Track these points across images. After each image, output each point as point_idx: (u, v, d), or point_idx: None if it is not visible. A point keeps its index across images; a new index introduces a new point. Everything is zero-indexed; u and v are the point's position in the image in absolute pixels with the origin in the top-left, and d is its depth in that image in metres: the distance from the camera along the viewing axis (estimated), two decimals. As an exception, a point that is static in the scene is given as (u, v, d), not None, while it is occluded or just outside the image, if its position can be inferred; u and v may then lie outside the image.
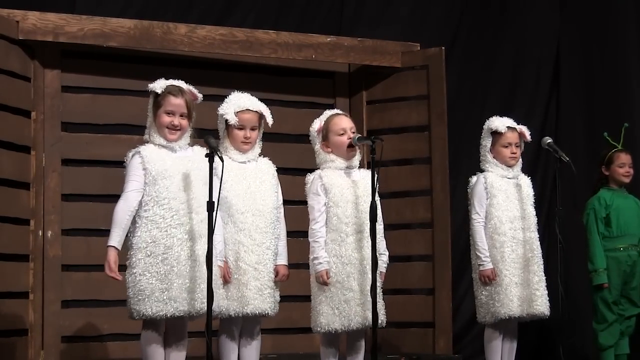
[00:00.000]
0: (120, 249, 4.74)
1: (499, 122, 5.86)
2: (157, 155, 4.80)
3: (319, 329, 5.13)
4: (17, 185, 6.12)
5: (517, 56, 8.12)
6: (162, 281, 4.69)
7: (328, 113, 5.35)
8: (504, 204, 5.78)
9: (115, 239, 4.72)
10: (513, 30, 8.11)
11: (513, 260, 5.73)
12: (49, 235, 6.23)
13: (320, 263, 5.10)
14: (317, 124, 5.28)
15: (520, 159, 5.94)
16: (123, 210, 4.74)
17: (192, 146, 4.93)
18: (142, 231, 4.73)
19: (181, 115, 4.84)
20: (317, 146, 5.29)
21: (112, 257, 4.70)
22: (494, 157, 5.87)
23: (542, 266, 5.83)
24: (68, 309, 6.31)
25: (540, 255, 5.85)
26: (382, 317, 5.13)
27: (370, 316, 4.95)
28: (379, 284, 5.17)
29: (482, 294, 5.77)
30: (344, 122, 5.24)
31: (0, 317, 5.88)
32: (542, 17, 8.19)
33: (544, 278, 5.81)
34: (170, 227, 4.73)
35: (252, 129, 5.15)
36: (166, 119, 4.82)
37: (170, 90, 4.85)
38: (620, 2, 8.11)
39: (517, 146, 5.88)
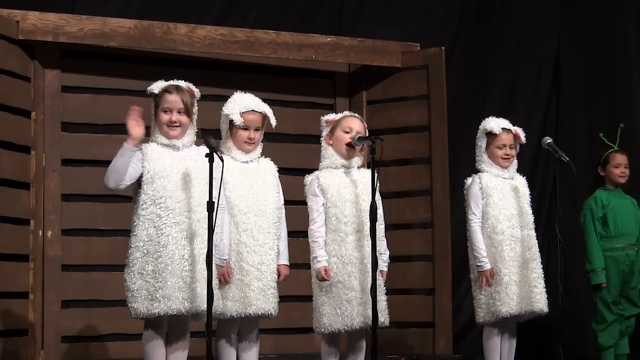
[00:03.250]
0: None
1: (494, 123, 5.89)
2: (158, 154, 4.81)
3: (322, 330, 5.13)
4: (17, 185, 6.11)
5: (517, 56, 8.12)
6: (157, 279, 4.69)
7: (347, 112, 5.40)
8: (500, 202, 5.80)
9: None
10: (513, 30, 8.11)
11: (512, 258, 5.75)
12: (49, 235, 6.23)
13: (319, 261, 5.12)
14: (331, 116, 5.36)
15: (515, 160, 5.96)
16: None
17: (198, 146, 4.93)
18: (139, 230, 4.75)
19: (179, 112, 4.85)
20: (322, 137, 5.33)
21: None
22: (488, 158, 5.91)
23: (540, 263, 5.85)
24: (68, 309, 6.31)
25: (538, 252, 5.87)
26: (385, 317, 5.17)
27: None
28: (381, 283, 5.21)
29: (482, 293, 5.78)
30: (354, 123, 5.28)
31: (0, 317, 5.88)
32: (542, 17, 8.19)
33: (543, 275, 5.83)
34: (165, 225, 4.74)
35: (256, 129, 5.16)
36: (164, 116, 4.85)
37: (166, 89, 4.88)
38: (620, 2, 8.11)
39: (511, 148, 5.90)
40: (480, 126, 5.95)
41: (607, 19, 8.12)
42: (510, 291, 5.70)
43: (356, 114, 5.44)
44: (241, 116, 5.11)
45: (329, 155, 5.27)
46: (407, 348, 6.87)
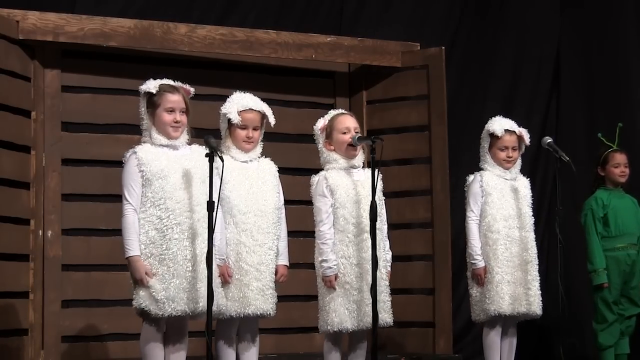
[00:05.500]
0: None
1: (498, 125, 5.88)
2: (154, 155, 4.79)
3: (328, 328, 5.11)
4: (17, 185, 6.10)
5: (517, 56, 8.10)
6: (160, 282, 4.69)
7: (333, 112, 5.37)
8: (498, 202, 5.81)
9: (136, 247, 4.71)
10: (513, 30, 8.09)
11: (506, 258, 5.77)
12: (49, 235, 6.21)
13: (330, 267, 5.10)
14: (322, 122, 5.30)
15: (520, 161, 5.96)
16: (130, 222, 4.73)
17: (190, 144, 4.94)
18: (140, 233, 4.75)
19: (181, 111, 4.86)
20: (320, 144, 5.29)
21: (143, 267, 4.69)
22: (491, 158, 5.91)
23: (536, 266, 5.85)
24: (68, 309, 6.29)
25: (536, 255, 5.87)
26: (389, 317, 5.21)
27: (379, 316, 4.96)
28: (387, 283, 5.24)
29: (477, 291, 5.82)
30: (348, 122, 5.25)
31: (0, 317, 5.86)
32: (542, 17, 8.17)
33: (538, 277, 5.84)
34: (166, 227, 4.73)
35: (255, 128, 5.15)
36: (168, 117, 4.83)
37: (165, 89, 4.86)
38: (620, 2, 8.08)
39: (514, 150, 5.90)
40: (486, 125, 5.94)
41: (607, 19, 8.09)
42: (501, 290, 5.72)
43: (344, 111, 5.45)
44: (239, 115, 5.10)
45: (333, 160, 5.24)
46: (407, 348, 6.86)
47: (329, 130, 5.26)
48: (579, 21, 8.19)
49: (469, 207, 5.85)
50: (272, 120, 5.19)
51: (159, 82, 4.88)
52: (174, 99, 4.84)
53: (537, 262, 5.86)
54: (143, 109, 4.86)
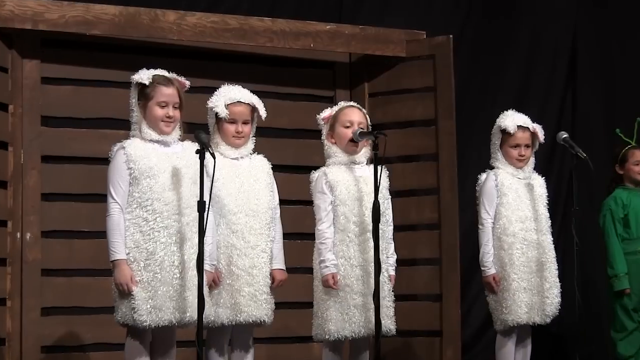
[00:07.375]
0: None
1: (510, 121, 5.80)
2: (143, 152, 4.71)
3: (326, 337, 5.05)
4: (-7, 184, 6.01)
5: (530, 46, 8.01)
6: (145, 289, 4.60)
7: (342, 104, 5.33)
8: (514, 203, 5.71)
9: (122, 250, 4.62)
10: (526, 18, 8.03)
11: (522, 263, 5.67)
12: (28, 237, 6.06)
13: (327, 266, 5.05)
14: (327, 112, 5.28)
15: (533, 158, 5.89)
16: (116, 222, 4.64)
17: (182, 141, 4.86)
18: (125, 235, 4.67)
19: (174, 106, 4.78)
20: (323, 136, 5.26)
21: (128, 272, 4.59)
22: (502, 156, 5.83)
23: (555, 271, 5.76)
24: (48, 317, 6.15)
25: (554, 259, 5.81)
26: (392, 325, 5.15)
27: (382, 322, 4.88)
28: (390, 288, 5.20)
29: (492, 299, 5.74)
30: (353, 115, 5.20)
31: (-24, 325, 5.78)
32: (557, 5, 8.11)
33: (558, 284, 5.76)
34: (153, 230, 4.65)
35: (245, 122, 5.06)
36: (160, 111, 4.75)
37: (159, 81, 4.78)
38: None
39: (527, 147, 5.80)
40: (497, 120, 5.85)
41: (625, 8, 8.04)
42: (518, 299, 5.64)
43: (353, 103, 5.37)
44: (227, 108, 5.02)
45: (334, 153, 5.20)
46: (413, 358, 6.75)
47: (332, 122, 5.22)
48: (597, 7, 8.14)
49: (484, 208, 5.73)
50: (262, 113, 5.11)
51: (152, 72, 4.80)
52: (168, 93, 4.76)
53: (556, 267, 5.78)
54: (134, 101, 4.78)
